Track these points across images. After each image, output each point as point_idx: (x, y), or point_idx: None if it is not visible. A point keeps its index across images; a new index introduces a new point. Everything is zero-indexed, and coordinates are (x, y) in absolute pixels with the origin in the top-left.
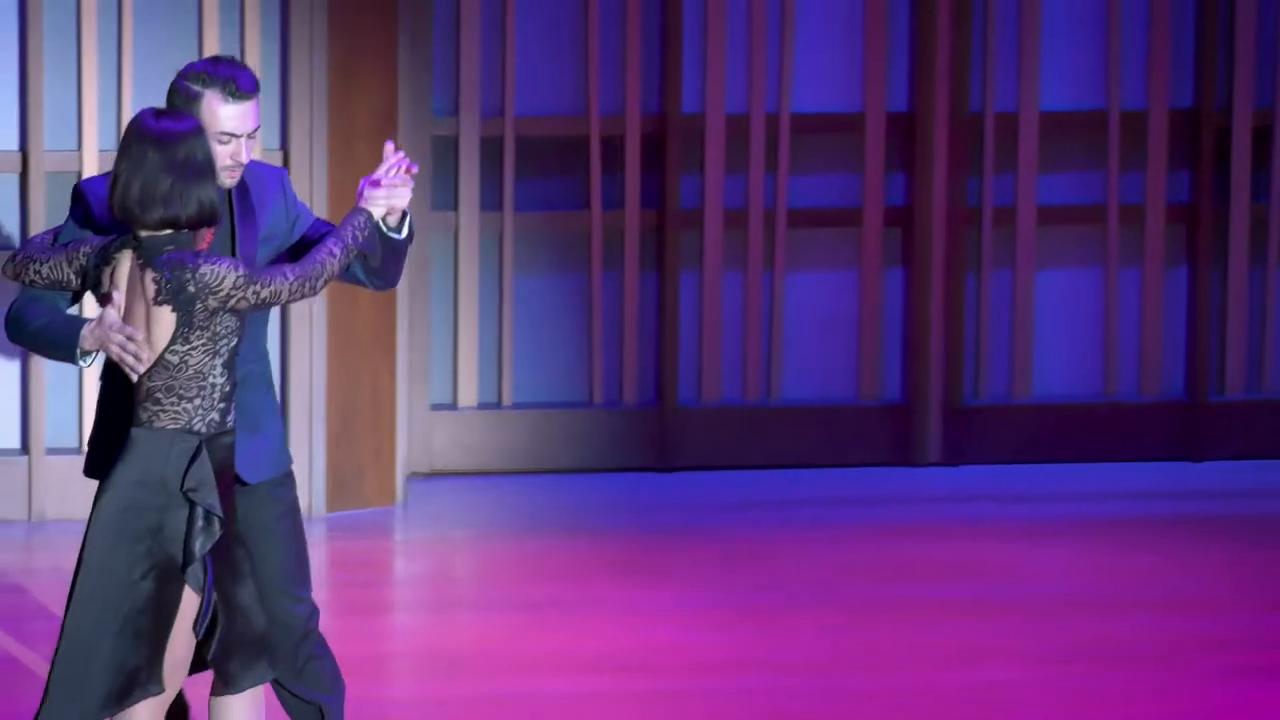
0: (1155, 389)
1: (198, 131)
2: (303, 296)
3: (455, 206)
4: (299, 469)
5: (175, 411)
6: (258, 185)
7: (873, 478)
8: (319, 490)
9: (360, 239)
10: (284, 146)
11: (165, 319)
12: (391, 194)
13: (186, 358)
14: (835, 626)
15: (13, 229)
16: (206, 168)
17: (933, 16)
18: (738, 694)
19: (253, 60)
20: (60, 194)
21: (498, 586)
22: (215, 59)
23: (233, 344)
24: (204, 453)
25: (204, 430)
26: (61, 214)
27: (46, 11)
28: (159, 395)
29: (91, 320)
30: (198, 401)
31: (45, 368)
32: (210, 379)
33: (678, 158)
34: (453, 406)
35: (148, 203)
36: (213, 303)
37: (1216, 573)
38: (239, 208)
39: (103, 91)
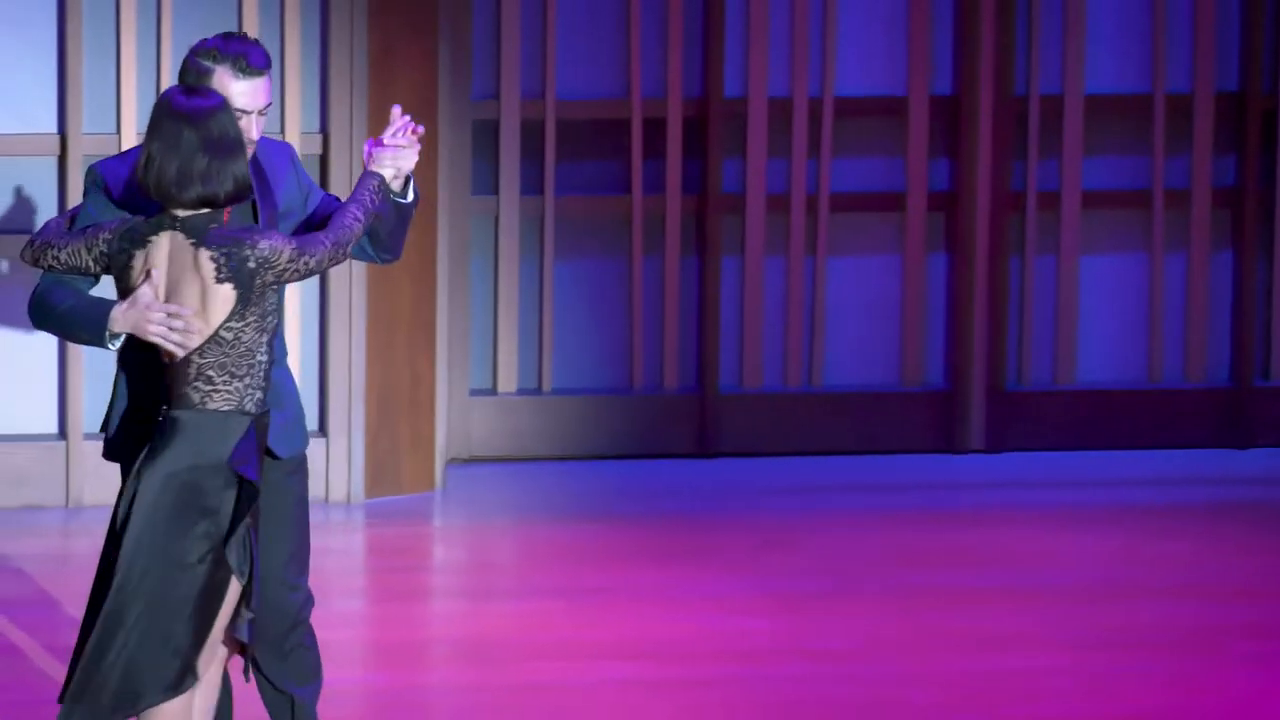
0: (1200, 374)
1: (226, 106)
2: (335, 263)
3: (495, 191)
4: (338, 455)
5: (228, 391)
6: (269, 161)
7: (915, 464)
8: (358, 476)
9: (376, 202)
10: (324, 130)
11: (224, 296)
12: (398, 155)
13: (240, 334)
14: (876, 614)
15: (50, 212)
16: (238, 143)
17: None
18: (777, 681)
19: (292, 44)
20: None
21: (536, 573)
22: (226, 35)
23: (276, 321)
24: (254, 432)
25: (253, 410)
26: None
27: None
28: (211, 374)
29: (121, 302)
30: (248, 380)
31: (82, 353)
32: (258, 356)
33: (720, 142)
34: (492, 392)
35: (185, 182)
36: (269, 277)
37: (1260, 559)
38: (256, 185)
39: (141, 75)
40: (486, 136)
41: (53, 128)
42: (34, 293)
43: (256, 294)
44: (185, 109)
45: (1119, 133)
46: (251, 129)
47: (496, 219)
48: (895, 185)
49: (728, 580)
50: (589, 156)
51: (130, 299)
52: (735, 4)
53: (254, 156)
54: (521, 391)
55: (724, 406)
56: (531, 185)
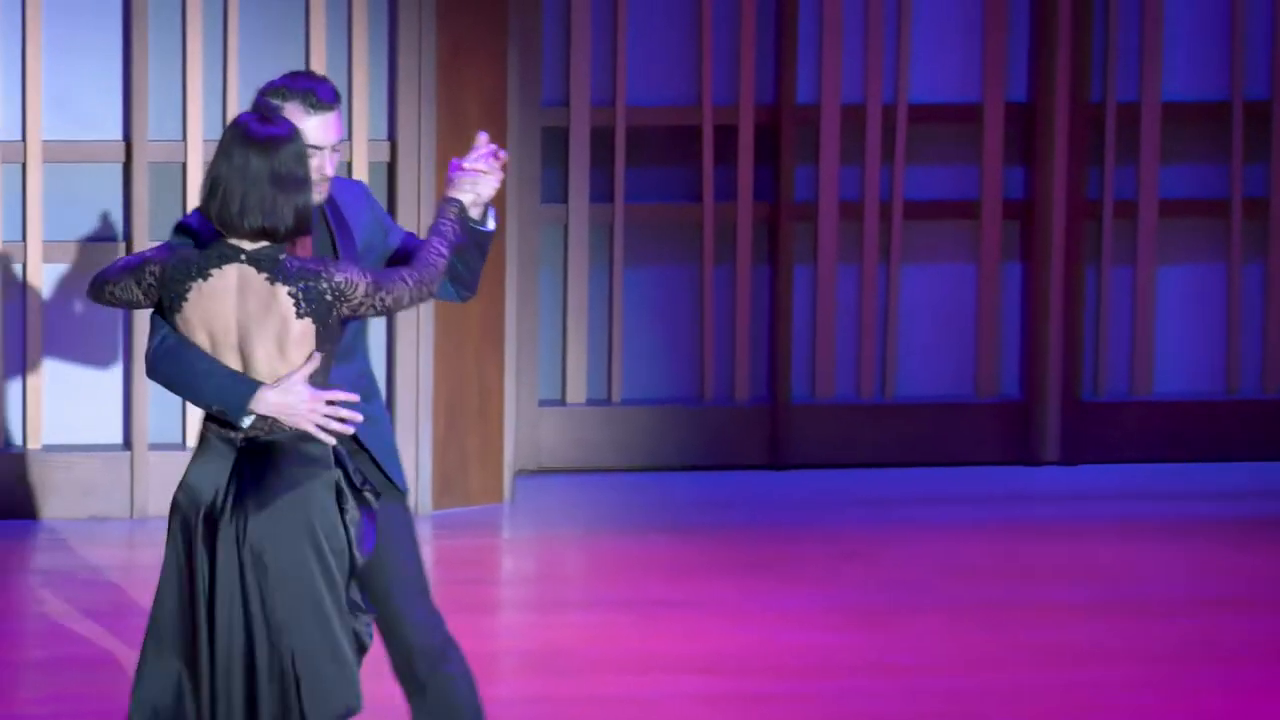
0: (1279, 386)
1: (297, 136)
2: (420, 300)
3: (565, 199)
4: (405, 466)
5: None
6: (344, 198)
7: (989, 476)
8: (425, 487)
9: (457, 233)
10: (392, 138)
11: (303, 332)
12: (478, 181)
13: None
14: (949, 628)
15: (116, 219)
16: (305, 178)
17: (1053, 4)
18: (848, 697)
19: (360, 50)
20: (164, 184)
21: (604, 585)
22: (293, 74)
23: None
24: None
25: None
26: (164, 205)
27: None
28: None
29: (269, 386)
30: None
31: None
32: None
33: (792, 149)
34: (561, 403)
35: (248, 211)
36: (345, 310)
37: None
38: (334, 221)
39: (207, 80)
40: (556, 144)
41: (118, 134)
42: (160, 341)
43: (334, 327)
44: (257, 136)
45: (1196, 140)
46: (325, 165)
47: (566, 227)
48: (970, 193)
49: (798, 593)
50: (659, 163)
51: (283, 384)
52: (809, 9)
53: (330, 193)
54: (590, 402)
55: (795, 417)
56: (601, 193)
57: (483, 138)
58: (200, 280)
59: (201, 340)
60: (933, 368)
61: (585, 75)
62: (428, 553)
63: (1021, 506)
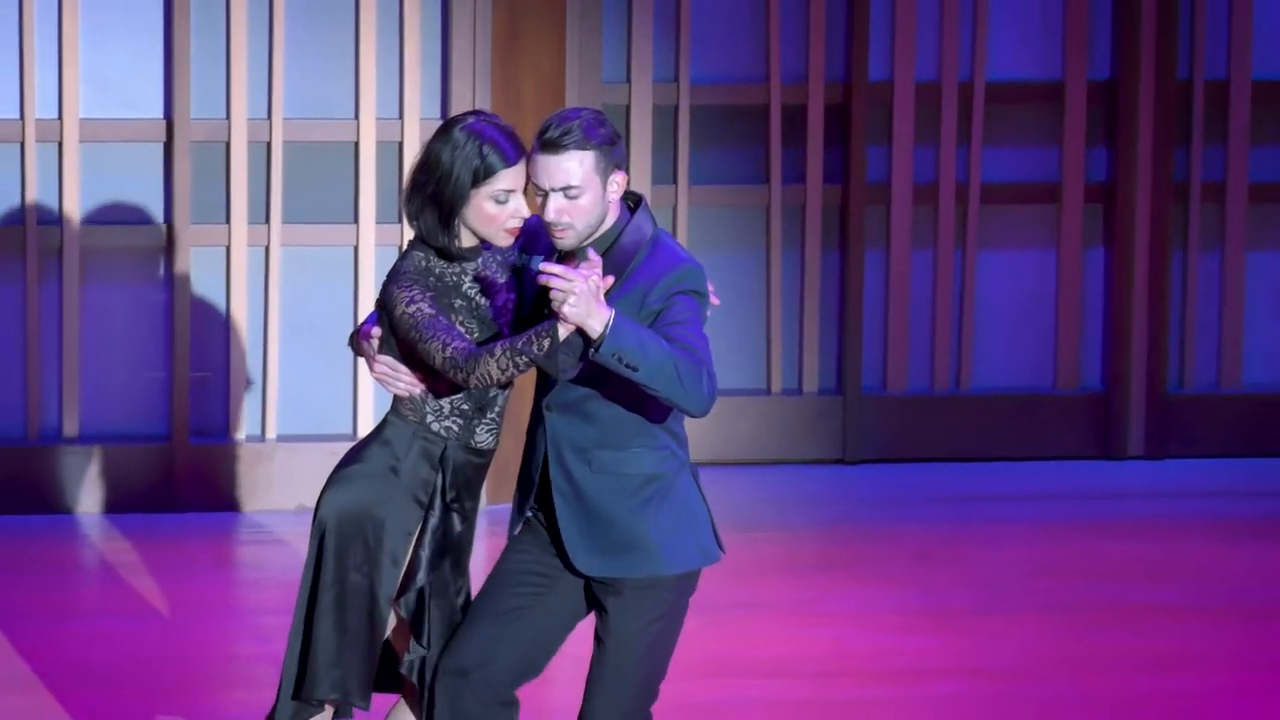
0: None
1: (485, 139)
2: (456, 380)
3: None
4: None
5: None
6: (632, 261)
7: (1070, 471)
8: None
9: (534, 348)
10: (444, 116)
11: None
12: (551, 295)
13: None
14: (1030, 630)
15: (157, 199)
16: (445, 180)
17: None
18: (928, 702)
19: (412, 26)
20: (206, 164)
21: None
22: (577, 109)
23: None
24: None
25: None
26: (207, 185)
27: None
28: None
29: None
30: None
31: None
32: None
33: (863, 128)
34: None
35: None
36: (402, 334)
37: None
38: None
39: (252, 59)
40: (617, 122)
41: (159, 113)
42: None
43: (404, 348)
44: (459, 119)
45: None
46: (548, 209)
47: None
48: (1050, 175)
49: (872, 595)
50: (725, 144)
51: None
52: None
53: (622, 248)
54: None
55: (866, 410)
56: (664, 174)
57: (592, 254)
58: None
59: None
60: (1010, 358)
61: (647, 50)
62: (481, 549)
63: (1105, 503)
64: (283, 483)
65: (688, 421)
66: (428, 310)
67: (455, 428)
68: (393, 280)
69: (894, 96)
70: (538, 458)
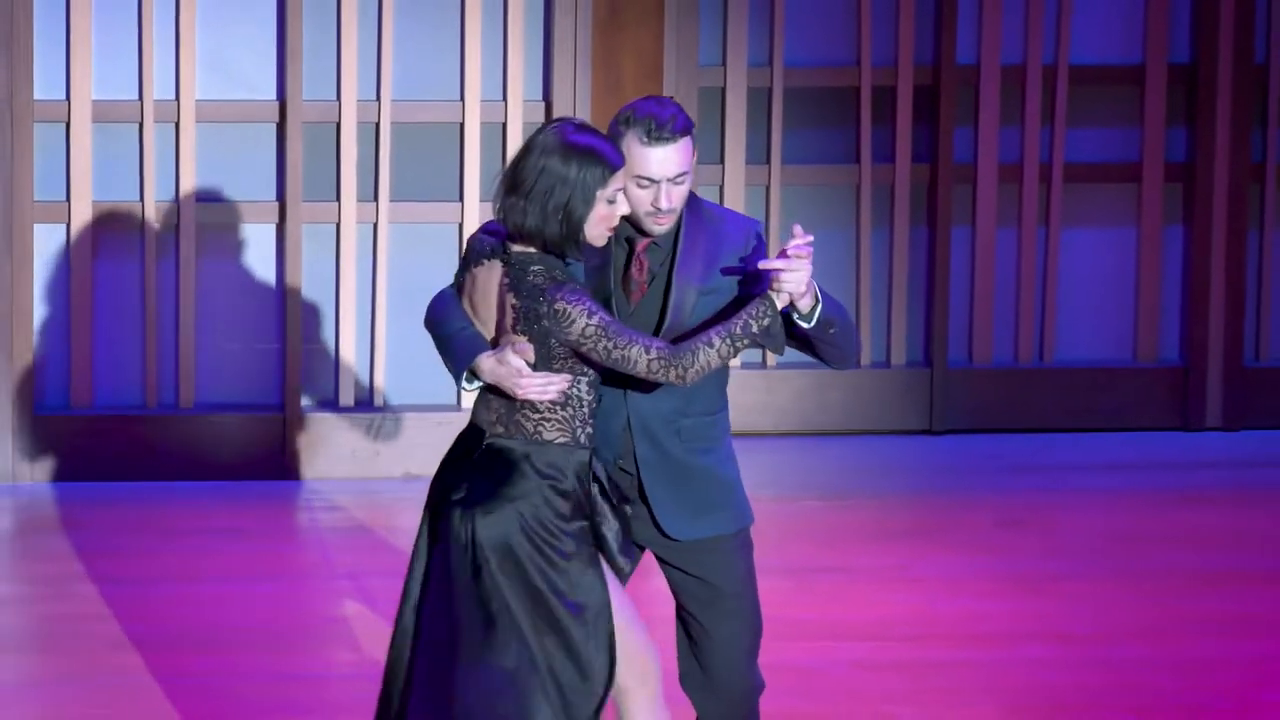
0: None
1: (583, 152)
2: (665, 379)
3: (721, 159)
4: None
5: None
6: (716, 236)
7: (1150, 442)
8: None
9: (754, 328)
10: (546, 99)
11: (526, 346)
12: (781, 278)
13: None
14: (1114, 596)
15: (269, 177)
16: (555, 193)
17: None
18: (1014, 665)
19: (515, 10)
20: (317, 144)
21: (762, 552)
22: (648, 97)
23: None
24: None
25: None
26: (319, 165)
27: None
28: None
29: (489, 352)
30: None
31: None
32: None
33: (951, 110)
34: None
35: (509, 209)
36: (564, 338)
37: None
38: (684, 254)
39: (363, 40)
40: (713, 104)
41: (272, 95)
42: (440, 294)
43: (559, 355)
44: (556, 130)
45: None
46: (662, 198)
47: (722, 188)
48: (1131, 156)
49: (959, 561)
50: (817, 125)
51: (499, 355)
52: None
53: (700, 224)
54: (746, 366)
55: (953, 382)
56: (757, 154)
57: (798, 229)
58: (475, 268)
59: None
60: (1092, 332)
61: (742, 35)
62: None
63: (1183, 473)
64: (390, 451)
65: (784, 393)
66: (608, 317)
67: (591, 428)
68: (548, 296)
69: (980, 79)
70: (609, 438)
